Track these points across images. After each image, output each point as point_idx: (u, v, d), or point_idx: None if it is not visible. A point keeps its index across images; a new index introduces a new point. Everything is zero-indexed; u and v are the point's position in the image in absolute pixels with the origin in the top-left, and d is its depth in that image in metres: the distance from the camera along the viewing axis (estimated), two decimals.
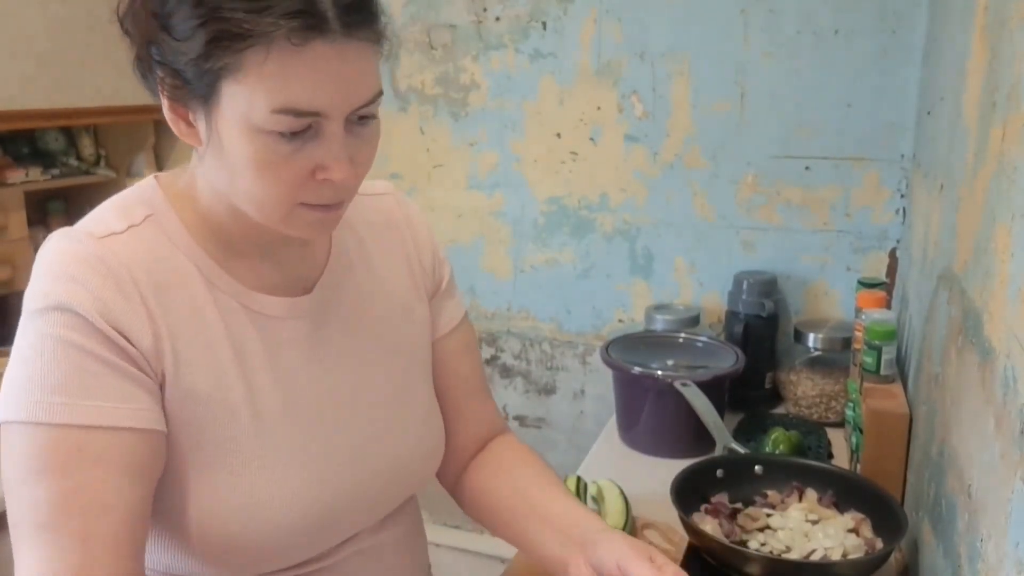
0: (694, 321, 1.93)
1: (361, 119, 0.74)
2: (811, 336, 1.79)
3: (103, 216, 0.83)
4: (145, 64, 0.75)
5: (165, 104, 0.75)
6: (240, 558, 0.78)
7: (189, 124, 0.75)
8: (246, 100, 0.69)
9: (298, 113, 0.69)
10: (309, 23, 0.66)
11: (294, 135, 0.70)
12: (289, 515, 0.78)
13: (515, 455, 1.01)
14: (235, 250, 0.81)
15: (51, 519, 0.67)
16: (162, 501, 0.76)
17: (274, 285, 0.83)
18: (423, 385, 0.95)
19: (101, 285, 0.73)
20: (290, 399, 0.81)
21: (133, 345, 0.73)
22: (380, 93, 0.73)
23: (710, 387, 1.57)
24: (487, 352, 2.24)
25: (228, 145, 0.72)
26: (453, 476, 1.02)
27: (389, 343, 0.91)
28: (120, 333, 0.72)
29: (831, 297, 1.95)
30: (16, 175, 2.02)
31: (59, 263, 0.75)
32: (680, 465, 1.29)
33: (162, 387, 0.75)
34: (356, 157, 0.74)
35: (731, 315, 1.90)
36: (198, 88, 0.71)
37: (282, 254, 0.83)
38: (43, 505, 0.67)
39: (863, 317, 1.48)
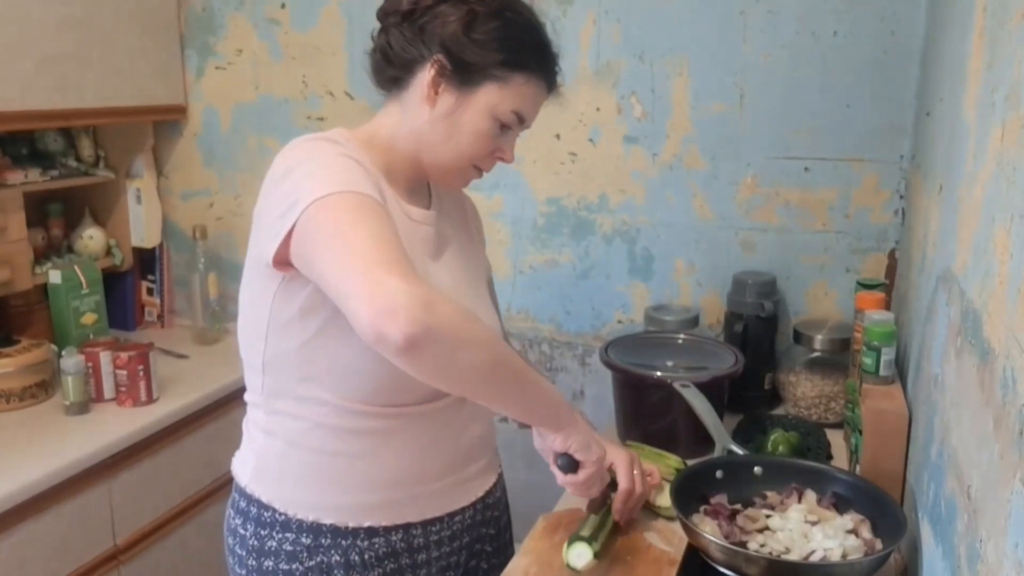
0: (693, 322, 1.93)
1: (520, 133, 1.17)
2: (810, 337, 1.79)
3: (325, 135, 1.11)
4: (416, 45, 1.07)
5: (429, 75, 1.07)
6: (383, 390, 1.07)
7: (437, 93, 1.08)
8: (498, 99, 1.09)
9: (520, 117, 1.12)
10: (551, 80, 1.15)
11: (503, 127, 1.11)
12: None
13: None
14: (393, 176, 1.13)
15: (386, 234, 0.94)
16: (334, 321, 1.01)
17: (411, 201, 1.15)
18: (488, 294, 1.30)
19: (354, 154, 1.06)
20: (432, 274, 1.13)
21: (377, 184, 1.05)
22: None
23: (709, 388, 1.57)
24: None
25: (466, 117, 1.09)
26: None
27: (473, 255, 1.27)
28: (369, 175, 1.04)
29: (830, 298, 1.95)
30: (15, 176, 2.02)
31: (318, 141, 1.07)
32: None
33: None
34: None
35: (730, 316, 1.90)
36: (466, 77, 1.07)
37: (415, 186, 1.17)
38: (381, 225, 0.95)
39: (862, 318, 1.49)
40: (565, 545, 1.17)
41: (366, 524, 1.11)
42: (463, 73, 1.07)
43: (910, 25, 1.78)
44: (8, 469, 1.60)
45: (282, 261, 1.00)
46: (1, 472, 1.59)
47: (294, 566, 1.11)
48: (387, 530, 1.13)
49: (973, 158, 1.02)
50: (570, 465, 1.11)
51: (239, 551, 1.15)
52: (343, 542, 1.11)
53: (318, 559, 1.11)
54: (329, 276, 0.93)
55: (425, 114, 1.10)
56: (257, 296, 1.08)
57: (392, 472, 1.12)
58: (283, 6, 2.25)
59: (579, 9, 2.00)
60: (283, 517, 1.11)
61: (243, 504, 1.15)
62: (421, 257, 1.12)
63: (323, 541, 1.11)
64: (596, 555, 1.15)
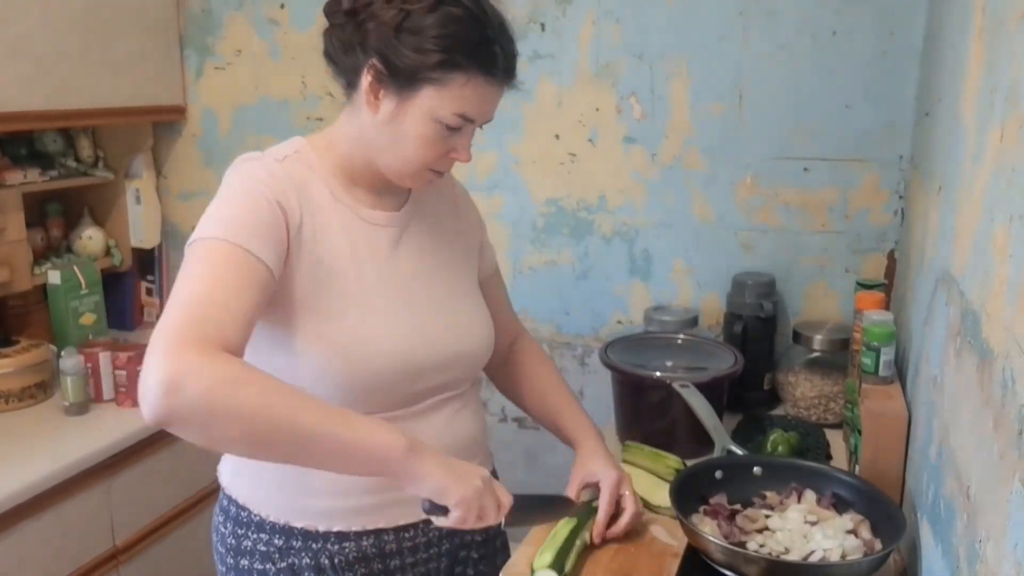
0: (693, 322, 1.93)
1: (479, 128, 1.11)
2: (810, 337, 1.79)
3: (271, 151, 1.13)
4: (353, 49, 1.04)
5: (366, 81, 1.04)
6: (348, 394, 1.05)
7: (376, 99, 1.05)
8: (438, 101, 1.02)
9: (466, 119, 1.05)
10: (495, 73, 1.04)
11: (450, 129, 1.05)
12: (379, 356, 1.07)
13: (536, 360, 1.39)
14: (354, 181, 1.13)
15: (204, 287, 0.96)
16: (289, 346, 1.04)
17: (375, 204, 1.15)
18: (474, 292, 1.26)
19: (275, 183, 1.06)
20: (384, 276, 1.12)
21: (287, 218, 1.05)
22: (492, 117, 1.11)
23: (709, 388, 1.57)
24: None
25: (408, 123, 1.04)
26: (497, 363, 1.35)
27: (450, 254, 1.23)
28: (281, 209, 1.04)
29: (830, 298, 1.95)
30: (14, 176, 2.02)
31: (250, 166, 1.09)
32: None
33: (293, 254, 1.05)
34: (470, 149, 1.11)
35: (730, 316, 1.90)
36: (402, 82, 1.02)
37: (381, 187, 1.15)
38: (203, 278, 0.96)
39: (862, 318, 1.49)
40: (535, 560, 1.16)
41: (336, 529, 1.11)
42: (398, 78, 1.02)
43: (909, 25, 1.78)
44: (7, 469, 1.60)
45: None
46: (0, 472, 1.59)
47: (267, 566, 1.12)
48: (357, 535, 1.12)
49: (972, 158, 1.02)
50: (435, 508, 0.99)
51: (220, 548, 1.18)
52: (313, 545, 1.11)
53: (289, 561, 1.11)
54: None
55: (370, 119, 1.06)
56: None
57: (362, 479, 1.08)
58: (282, 6, 2.25)
59: (578, 9, 2.00)
60: (257, 518, 1.13)
61: (225, 503, 1.18)
62: (373, 254, 1.11)
63: (294, 543, 1.12)
64: None
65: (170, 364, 0.87)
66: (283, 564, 1.12)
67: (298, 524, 1.11)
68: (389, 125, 1.05)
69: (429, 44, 1.00)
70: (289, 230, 1.04)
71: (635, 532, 1.27)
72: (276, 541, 1.12)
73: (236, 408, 0.88)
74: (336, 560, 1.12)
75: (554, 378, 1.37)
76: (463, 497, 0.98)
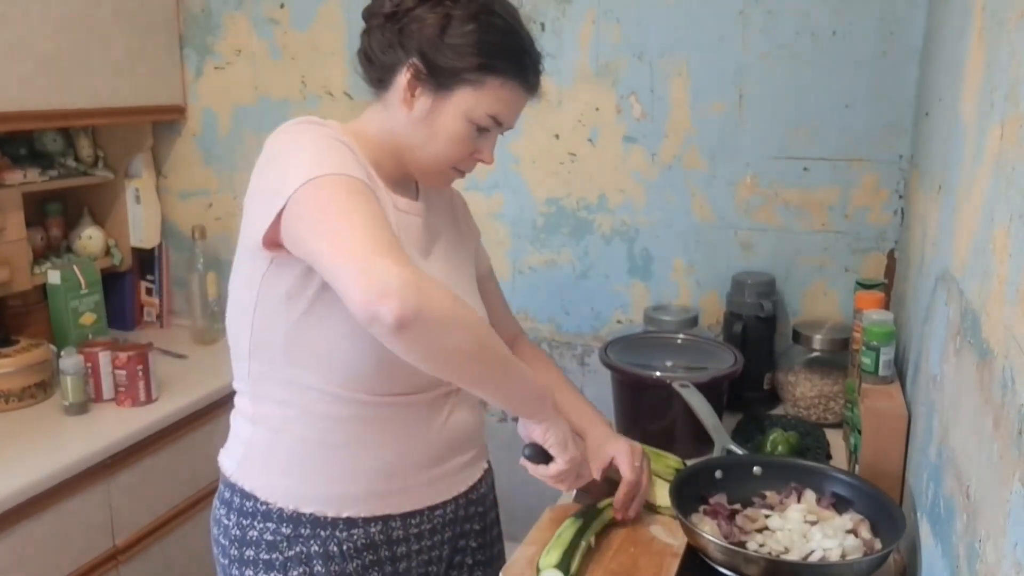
0: (693, 322, 1.93)
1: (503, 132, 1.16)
2: (809, 337, 1.79)
3: (311, 118, 1.13)
4: (394, 48, 1.08)
5: (405, 79, 1.09)
6: (366, 378, 1.09)
7: (414, 96, 1.09)
8: (474, 102, 1.09)
9: (495, 120, 1.11)
10: (527, 80, 1.12)
11: (480, 130, 1.11)
12: None
13: (535, 358, 1.39)
14: (380, 170, 1.14)
15: (376, 217, 0.97)
16: (328, 314, 1.05)
17: (400, 194, 1.16)
18: (477, 289, 1.29)
19: (343, 138, 1.08)
20: (422, 261, 1.15)
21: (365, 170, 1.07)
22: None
23: (709, 388, 1.57)
24: None
25: (441, 121, 1.09)
26: None
27: (460, 250, 1.27)
28: (358, 162, 1.06)
29: (829, 298, 1.95)
30: (14, 176, 2.02)
31: (310, 124, 1.10)
32: None
33: None
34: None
35: (730, 316, 1.90)
36: (441, 80, 1.08)
37: (398, 185, 1.17)
38: (369, 208, 0.97)
39: (861, 318, 1.49)
40: (540, 559, 1.16)
41: (345, 515, 1.13)
42: (438, 77, 1.08)
43: (909, 25, 1.78)
44: (7, 469, 1.60)
45: (272, 241, 1.02)
46: (0, 472, 1.59)
47: (274, 555, 1.13)
48: (366, 521, 1.14)
49: (972, 158, 1.02)
50: (537, 455, 1.13)
51: (222, 540, 1.18)
52: (322, 532, 1.13)
53: (297, 549, 1.13)
54: (322, 256, 0.95)
55: (404, 116, 1.11)
56: (246, 280, 1.11)
57: (373, 464, 1.13)
58: (282, 6, 2.25)
59: (578, 9, 2.00)
60: (264, 507, 1.13)
61: (227, 494, 1.18)
62: (410, 247, 1.14)
63: (303, 531, 1.13)
64: None
65: (405, 268, 0.90)
66: (291, 552, 1.12)
67: (307, 510, 1.12)
68: (423, 122, 1.11)
69: (471, 48, 1.07)
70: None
71: (635, 532, 1.27)
72: (284, 529, 1.13)
73: (466, 319, 0.97)
74: (345, 547, 1.13)
75: (554, 373, 1.40)
76: (573, 457, 1.16)
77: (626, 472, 1.26)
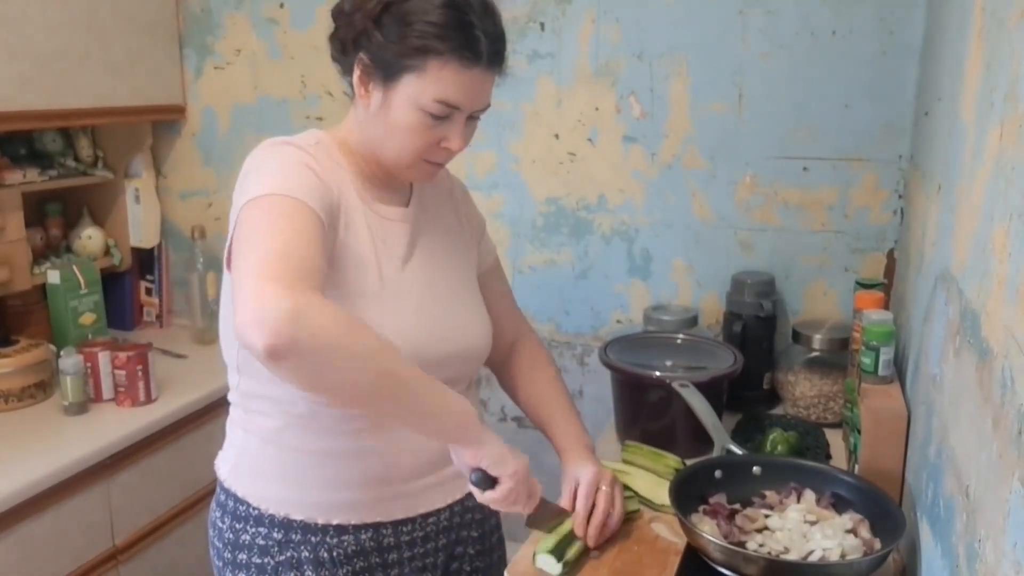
0: (692, 322, 1.93)
1: (471, 119, 1.10)
2: (809, 337, 1.79)
3: (294, 138, 1.12)
4: (348, 47, 1.08)
5: (356, 75, 1.08)
6: None
7: (367, 92, 1.08)
8: (419, 88, 1.04)
9: (448, 105, 1.05)
10: (474, 56, 1.04)
11: (436, 117, 1.06)
12: (397, 340, 1.03)
13: (534, 364, 1.37)
14: (366, 176, 1.14)
15: (279, 232, 0.96)
16: None
17: (386, 200, 1.16)
18: (473, 289, 1.27)
19: (316, 161, 1.07)
20: (399, 274, 1.13)
21: (331, 194, 1.06)
22: (488, 106, 1.11)
23: (708, 388, 1.57)
24: None
25: (394, 113, 1.06)
26: (499, 360, 1.37)
27: (452, 251, 1.24)
28: (324, 184, 1.05)
29: (829, 298, 1.95)
30: (14, 176, 2.02)
31: (284, 146, 1.08)
32: None
33: (331, 232, 1.05)
34: (465, 138, 1.11)
35: (729, 316, 1.90)
36: (386, 72, 1.05)
37: (387, 183, 1.17)
38: (274, 226, 0.96)
39: (861, 318, 1.49)
40: (538, 544, 1.18)
41: (335, 522, 1.13)
42: (381, 68, 1.05)
43: (909, 25, 1.78)
44: (7, 469, 1.60)
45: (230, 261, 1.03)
46: (0, 472, 1.59)
47: (265, 560, 1.13)
48: (357, 528, 1.14)
49: (972, 158, 1.02)
50: (484, 480, 1.04)
51: (217, 543, 1.18)
52: (313, 538, 1.12)
53: (288, 554, 1.13)
54: (234, 274, 0.95)
55: (364, 114, 1.10)
56: (227, 297, 1.09)
57: (363, 472, 1.12)
58: (282, 6, 2.25)
59: (578, 9, 2.00)
60: (256, 512, 1.13)
61: (222, 498, 1.18)
62: (393, 255, 1.13)
63: (293, 537, 1.13)
64: (564, 568, 1.16)
65: (292, 295, 0.87)
66: (282, 557, 1.13)
67: (297, 517, 1.12)
68: (379, 117, 1.08)
69: (403, 31, 1.03)
70: (331, 206, 1.05)
71: (638, 530, 1.27)
72: (275, 535, 1.13)
73: (354, 349, 0.91)
74: (335, 553, 1.13)
75: (548, 386, 1.36)
76: (516, 471, 1.05)
77: (579, 500, 1.21)
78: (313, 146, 1.10)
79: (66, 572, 1.69)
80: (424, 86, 1.04)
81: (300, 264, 0.92)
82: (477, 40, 1.04)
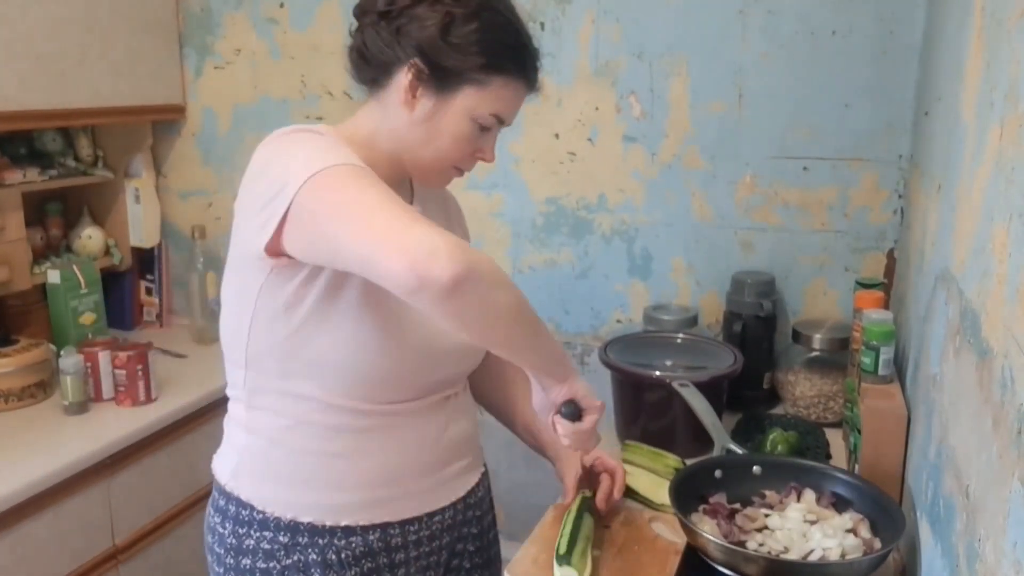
0: (692, 322, 1.93)
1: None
2: (809, 336, 1.79)
3: (303, 126, 1.10)
4: (391, 49, 1.06)
5: (406, 79, 1.06)
6: (367, 386, 1.08)
7: (415, 97, 1.07)
8: (477, 101, 1.07)
9: (500, 120, 1.10)
10: (532, 80, 1.11)
11: (483, 129, 1.09)
12: (406, 349, 1.09)
13: (510, 372, 1.36)
14: (374, 171, 1.07)
15: (379, 195, 0.95)
16: (315, 342, 1.05)
17: None
18: None
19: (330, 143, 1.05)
20: None
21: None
22: None
23: (708, 387, 1.57)
24: None
25: (445, 121, 1.07)
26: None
27: None
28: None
29: (829, 297, 1.95)
30: (13, 176, 2.02)
31: (301, 131, 1.07)
32: None
33: None
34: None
35: (729, 315, 1.90)
36: (446, 82, 1.05)
37: (395, 182, 1.11)
38: (385, 192, 0.96)
39: (861, 317, 1.49)
40: (554, 566, 1.18)
41: (343, 523, 1.12)
42: (441, 77, 1.06)
43: (909, 24, 1.78)
44: (7, 469, 1.60)
45: (275, 250, 1.00)
46: (0, 472, 1.59)
47: (271, 564, 1.12)
48: (364, 529, 1.13)
49: (972, 157, 1.02)
50: (575, 414, 1.10)
51: (217, 549, 1.16)
52: (320, 541, 1.12)
53: (295, 557, 1.12)
54: (346, 245, 0.93)
55: (404, 117, 1.09)
56: (242, 290, 1.09)
57: (371, 472, 1.12)
58: (281, 5, 2.25)
59: (578, 9, 2.00)
60: (261, 516, 1.12)
61: (222, 502, 1.16)
62: None
63: (300, 540, 1.11)
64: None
65: (445, 233, 0.90)
66: (288, 561, 1.12)
67: (304, 520, 1.11)
68: (425, 123, 1.08)
69: (475, 47, 1.05)
70: None
71: (638, 530, 1.28)
72: (281, 538, 1.12)
73: (507, 278, 0.98)
74: (343, 555, 1.12)
75: (503, 373, 1.37)
76: (603, 405, 1.12)
77: (610, 464, 1.34)
78: (325, 135, 1.09)
79: (66, 572, 1.69)
80: (483, 99, 1.07)
81: (414, 211, 0.94)
82: (530, 62, 1.10)
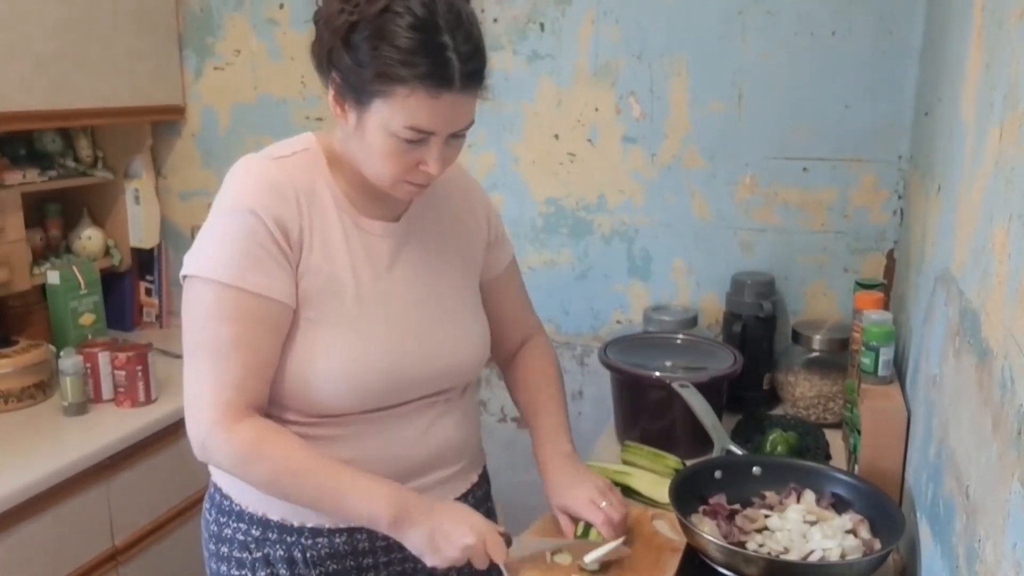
0: (692, 322, 1.93)
1: (454, 136, 1.05)
2: (809, 337, 1.79)
3: (278, 146, 1.14)
4: (324, 65, 1.04)
5: (331, 93, 1.04)
6: (342, 399, 1.09)
7: (343, 111, 1.04)
8: (388, 114, 1.00)
9: (419, 131, 1.00)
10: (444, 82, 0.98)
11: (410, 142, 1.01)
12: (369, 375, 1.09)
13: (537, 366, 1.36)
14: (353, 187, 1.12)
15: (224, 350, 1.03)
16: (285, 360, 1.08)
17: (376, 214, 1.14)
18: (470, 300, 1.24)
19: (274, 198, 1.06)
20: (380, 290, 1.12)
21: (288, 238, 1.05)
22: (472, 123, 1.05)
23: (708, 388, 1.57)
24: None
25: (368, 136, 1.03)
26: (505, 361, 1.38)
27: (448, 262, 1.21)
28: (281, 230, 1.05)
29: (829, 298, 1.95)
30: (13, 177, 2.01)
31: (247, 178, 1.08)
32: None
33: (297, 266, 1.07)
34: (446, 159, 1.06)
35: (729, 316, 1.90)
36: (357, 94, 1.01)
37: (381, 195, 1.12)
38: (221, 339, 1.03)
39: (861, 318, 1.49)
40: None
41: (310, 524, 1.14)
42: (352, 91, 1.01)
43: (908, 25, 1.78)
44: (7, 470, 1.60)
45: None
46: (0, 472, 1.58)
47: (244, 555, 1.16)
48: (331, 532, 1.14)
49: (971, 158, 1.02)
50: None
51: (205, 534, 1.22)
52: (288, 538, 1.14)
53: (264, 551, 1.15)
54: (187, 369, 1.08)
55: (343, 131, 1.07)
56: None
57: None
58: (281, 6, 2.25)
59: (577, 9, 2.00)
60: (238, 508, 1.16)
61: (211, 491, 1.22)
62: (371, 269, 1.12)
63: (270, 535, 1.15)
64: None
65: (204, 430, 1.04)
66: (259, 554, 1.15)
67: (274, 517, 1.14)
68: (356, 137, 1.05)
69: (370, 55, 0.97)
70: (292, 246, 1.06)
71: (639, 527, 1.27)
72: (254, 531, 1.15)
73: (253, 477, 1.07)
74: (308, 554, 1.14)
75: (542, 396, 1.32)
76: (437, 564, 1.05)
77: (589, 516, 1.18)
78: (292, 156, 1.09)
79: (66, 572, 1.69)
80: (393, 112, 0.99)
81: (241, 382, 1.04)
82: (447, 64, 0.97)
